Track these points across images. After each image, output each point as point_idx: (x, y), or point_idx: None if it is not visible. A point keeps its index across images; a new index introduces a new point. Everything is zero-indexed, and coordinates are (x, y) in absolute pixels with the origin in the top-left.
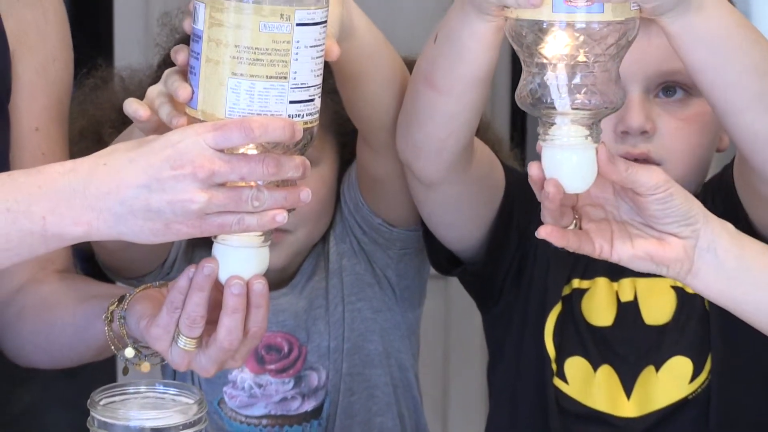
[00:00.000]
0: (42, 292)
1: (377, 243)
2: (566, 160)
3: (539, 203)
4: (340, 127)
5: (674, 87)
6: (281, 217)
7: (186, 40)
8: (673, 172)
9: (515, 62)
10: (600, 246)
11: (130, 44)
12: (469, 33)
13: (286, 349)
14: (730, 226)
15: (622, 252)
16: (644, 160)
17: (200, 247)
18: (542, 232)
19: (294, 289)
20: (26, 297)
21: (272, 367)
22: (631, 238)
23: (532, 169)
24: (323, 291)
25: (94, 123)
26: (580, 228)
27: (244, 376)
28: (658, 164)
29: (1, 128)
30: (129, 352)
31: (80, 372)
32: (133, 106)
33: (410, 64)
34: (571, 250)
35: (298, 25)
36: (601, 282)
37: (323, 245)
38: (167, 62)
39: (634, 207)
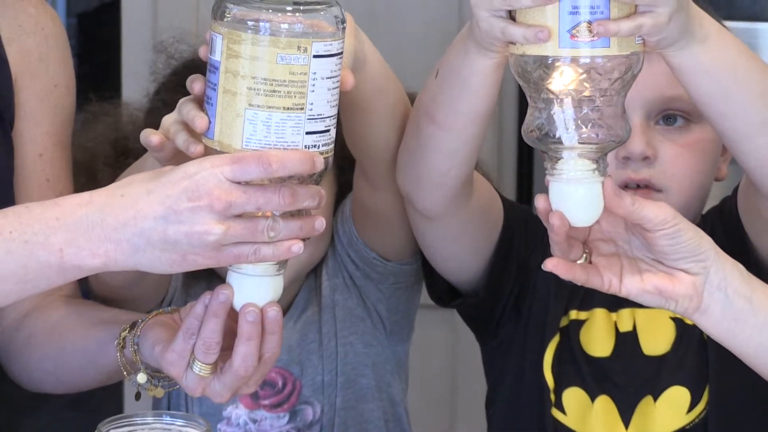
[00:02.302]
0: (51, 318)
1: (370, 277)
2: (573, 193)
3: (538, 236)
4: (336, 154)
5: (674, 115)
6: (297, 247)
7: (185, 68)
8: (675, 199)
9: (522, 98)
10: (609, 280)
11: (139, 78)
12: (470, 69)
13: (280, 383)
14: (741, 266)
15: (630, 286)
16: (646, 185)
17: (195, 285)
18: (549, 265)
19: (287, 323)
20: (35, 323)
21: (267, 402)
22: (640, 273)
23: (539, 201)
24: (316, 325)
25: (87, 158)
26: (590, 262)
27: (238, 412)
28: (659, 190)
29: (6, 155)
30: (141, 377)
31: (87, 402)
32: (145, 134)
33: (411, 99)
34: (578, 284)
35: (315, 56)
36: (600, 313)
37: (315, 280)
38: (164, 89)
39: (644, 243)
